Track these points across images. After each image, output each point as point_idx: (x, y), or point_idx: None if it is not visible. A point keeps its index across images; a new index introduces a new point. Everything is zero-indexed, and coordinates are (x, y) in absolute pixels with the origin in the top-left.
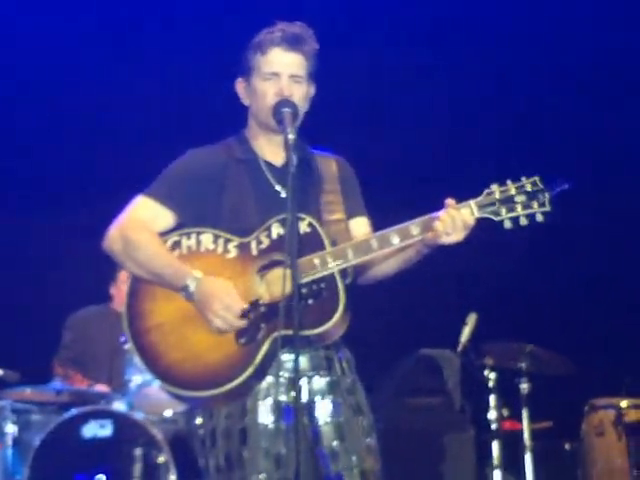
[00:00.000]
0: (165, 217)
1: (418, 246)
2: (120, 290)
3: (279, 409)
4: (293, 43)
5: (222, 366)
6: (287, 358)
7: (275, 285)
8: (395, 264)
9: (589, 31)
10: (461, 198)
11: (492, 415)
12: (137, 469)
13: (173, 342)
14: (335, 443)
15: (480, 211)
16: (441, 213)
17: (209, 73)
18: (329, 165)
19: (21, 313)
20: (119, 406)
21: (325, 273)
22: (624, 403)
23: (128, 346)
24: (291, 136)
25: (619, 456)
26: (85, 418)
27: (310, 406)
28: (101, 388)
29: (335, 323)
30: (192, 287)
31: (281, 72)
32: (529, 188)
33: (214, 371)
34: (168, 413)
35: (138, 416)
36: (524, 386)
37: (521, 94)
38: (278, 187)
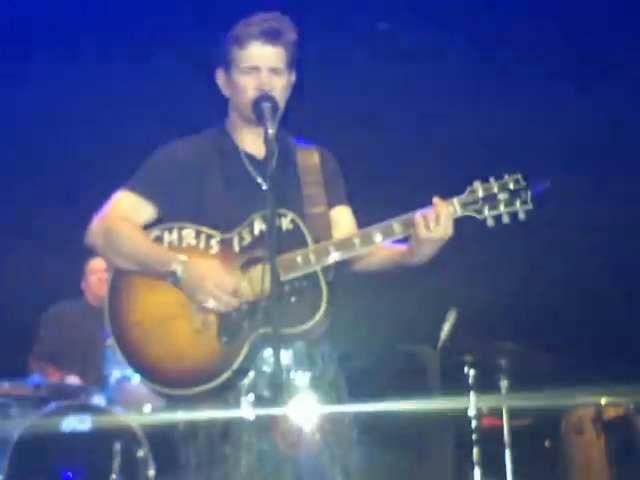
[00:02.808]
0: (146, 209)
1: (405, 255)
2: (89, 283)
3: (262, 404)
4: (272, 37)
5: (205, 364)
6: (270, 354)
7: (257, 282)
8: (379, 262)
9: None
10: (445, 195)
11: (472, 412)
12: (116, 463)
13: (155, 339)
14: (317, 438)
15: (463, 209)
16: (427, 210)
17: (191, 62)
18: (311, 157)
19: None
20: (98, 400)
21: (308, 270)
22: (603, 400)
23: (110, 342)
24: (271, 131)
25: (598, 453)
26: (64, 412)
27: (292, 401)
28: (73, 379)
29: (318, 321)
30: (179, 271)
31: (260, 66)
32: (512, 186)
33: (197, 369)
34: (148, 408)
35: (117, 411)
36: (504, 383)
37: (507, 89)
38: (259, 179)
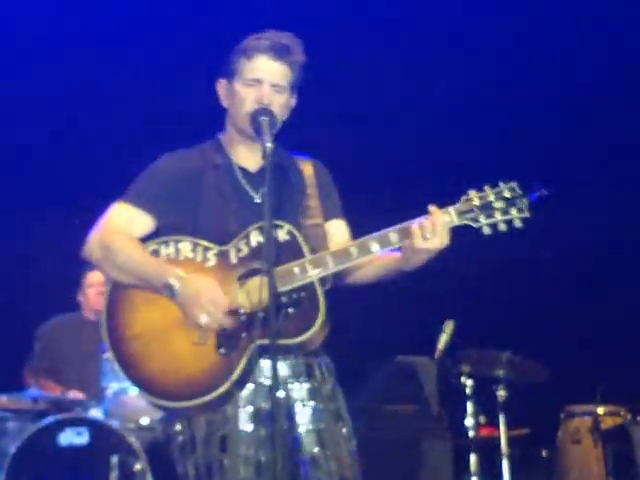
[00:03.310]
0: (143, 221)
1: (400, 262)
2: (87, 296)
3: (260, 416)
4: (279, 53)
5: (203, 376)
6: (268, 365)
7: (255, 294)
8: (375, 272)
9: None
10: (441, 204)
11: (469, 422)
12: (114, 477)
13: (153, 352)
14: (316, 450)
15: (459, 218)
16: (423, 219)
17: (188, 76)
18: (306, 169)
19: None
20: (96, 414)
21: (305, 282)
22: (600, 410)
23: (108, 355)
24: (269, 144)
25: (596, 463)
26: (61, 426)
27: (291, 413)
28: (75, 394)
29: (315, 332)
30: (176, 285)
31: (263, 79)
32: (507, 194)
33: (195, 381)
34: (145, 421)
35: (115, 424)
36: (501, 393)
37: (504, 97)
38: (253, 193)
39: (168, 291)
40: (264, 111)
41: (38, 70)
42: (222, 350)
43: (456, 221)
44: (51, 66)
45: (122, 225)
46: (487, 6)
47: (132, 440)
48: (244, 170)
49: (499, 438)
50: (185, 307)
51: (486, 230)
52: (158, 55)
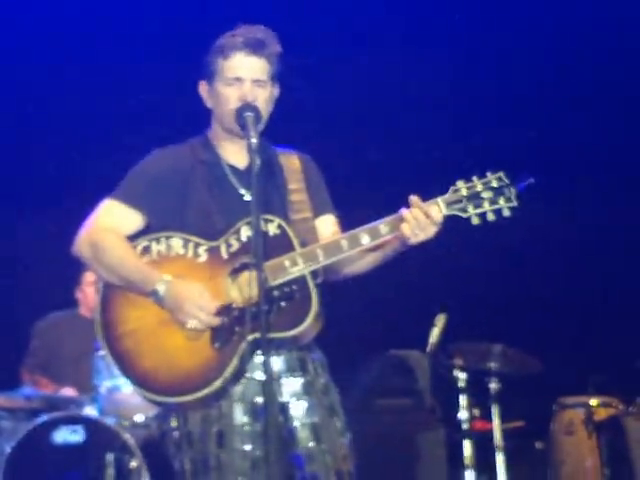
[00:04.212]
0: (133, 219)
1: (393, 244)
2: (85, 293)
3: (255, 411)
4: (256, 47)
5: (198, 371)
6: (261, 360)
7: (246, 288)
8: (368, 262)
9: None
10: (429, 194)
11: (463, 415)
12: (109, 474)
13: (148, 348)
14: (311, 444)
15: (448, 208)
16: (405, 212)
17: (174, 73)
18: (292, 163)
19: None
20: (90, 411)
21: (296, 275)
22: (594, 401)
23: (103, 353)
24: (254, 140)
25: (590, 455)
26: (56, 424)
27: (285, 407)
28: (68, 392)
29: (308, 325)
30: (162, 291)
31: (244, 77)
32: (495, 184)
33: (190, 376)
34: (139, 418)
35: (109, 421)
36: (494, 386)
37: (493, 88)
38: (242, 190)
39: (154, 296)
40: (248, 107)
41: (37, 70)
42: (217, 344)
43: (445, 211)
44: (48, 67)
45: (111, 223)
46: (486, 6)
47: (127, 437)
48: (233, 167)
49: (493, 431)
50: (172, 312)
51: (475, 220)
52: (147, 53)
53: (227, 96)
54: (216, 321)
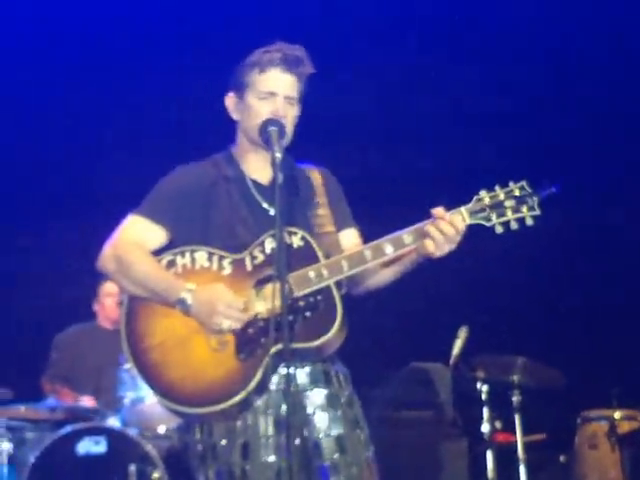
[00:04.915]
0: (157, 234)
1: (413, 255)
2: (103, 305)
3: (280, 422)
4: (292, 65)
5: (223, 382)
6: (286, 372)
7: (271, 300)
8: (389, 274)
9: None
10: (450, 205)
11: (485, 428)
12: None
13: (174, 360)
14: (336, 456)
15: (471, 217)
16: (429, 225)
17: (199, 87)
18: (314, 178)
19: (13, 331)
20: (113, 422)
21: (321, 285)
22: (617, 414)
23: (128, 365)
24: (278, 155)
25: (613, 468)
26: (79, 435)
27: (310, 419)
28: (88, 401)
29: (333, 335)
30: (189, 299)
31: (278, 92)
32: (517, 193)
33: (215, 387)
34: (162, 429)
35: (132, 432)
36: (516, 398)
37: (508, 98)
38: (265, 205)
39: (181, 306)
40: (273, 122)
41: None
42: (242, 356)
43: (468, 220)
44: (70, 80)
45: (136, 238)
46: (486, 6)
47: (149, 448)
48: (256, 183)
49: (516, 443)
50: (202, 318)
51: (498, 229)
52: (166, 66)
53: (257, 109)
54: (247, 316)
